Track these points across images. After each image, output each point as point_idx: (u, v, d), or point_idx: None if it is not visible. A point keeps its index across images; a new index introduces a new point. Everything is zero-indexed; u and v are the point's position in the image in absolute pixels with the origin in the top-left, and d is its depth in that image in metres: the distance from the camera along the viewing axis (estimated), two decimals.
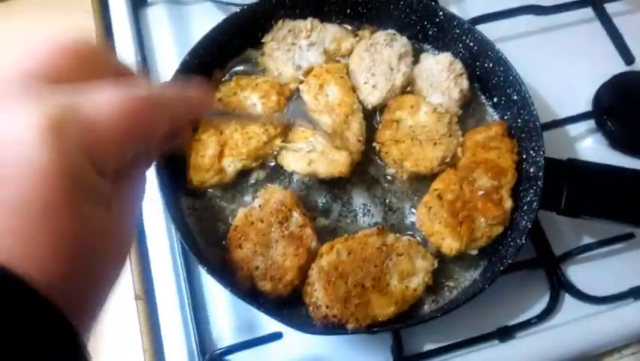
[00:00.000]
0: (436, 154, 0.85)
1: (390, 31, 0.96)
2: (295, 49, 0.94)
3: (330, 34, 0.95)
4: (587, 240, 0.92)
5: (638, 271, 0.92)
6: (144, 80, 0.43)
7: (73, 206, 0.31)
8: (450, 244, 0.80)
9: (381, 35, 0.95)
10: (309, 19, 0.95)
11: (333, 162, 0.83)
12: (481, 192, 0.82)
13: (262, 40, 0.95)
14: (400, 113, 0.88)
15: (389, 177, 0.89)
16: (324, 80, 0.89)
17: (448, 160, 0.85)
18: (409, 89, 0.94)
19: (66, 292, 0.30)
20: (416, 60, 0.95)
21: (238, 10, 0.91)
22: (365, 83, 0.92)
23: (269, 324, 0.82)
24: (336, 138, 0.84)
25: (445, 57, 0.93)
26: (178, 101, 0.43)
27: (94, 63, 0.39)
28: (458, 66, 0.93)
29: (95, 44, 0.40)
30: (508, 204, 0.82)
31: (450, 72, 0.91)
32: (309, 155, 0.84)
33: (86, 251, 0.32)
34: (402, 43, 0.94)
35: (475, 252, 0.82)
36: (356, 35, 0.98)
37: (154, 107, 0.38)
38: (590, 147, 1.02)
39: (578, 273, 0.91)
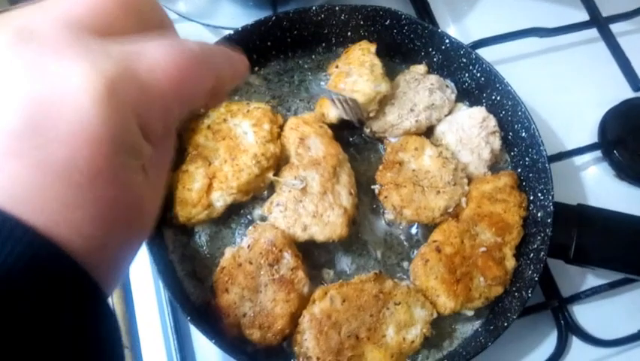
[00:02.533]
0: (438, 204, 0.80)
1: (449, 82, 0.91)
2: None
3: None
4: (595, 281, 0.89)
5: None
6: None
7: (119, 174, 0.30)
8: (444, 303, 0.75)
9: (434, 77, 0.89)
10: None
11: (330, 225, 0.78)
12: (482, 249, 0.77)
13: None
14: (402, 155, 0.83)
15: (387, 221, 0.84)
16: (303, 133, 0.83)
17: (450, 210, 0.80)
18: (440, 142, 0.87)
19: (99, 259, 0.30)
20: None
21: (231, 33, 0.85)
22: (377, 109, 0.86)
23: None
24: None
25: (479, 112, 0.87)
26: (224, 61, 0.39)
27: (141, 12, 0.35)
28: (492, 123, 0.86)
29: None
30: (510, 263, 0.78)
31: (482, 129, 0.85)
32: (302, 219, 0.78)
33: (123, 219, 0.31)
34: (442, 95, 0.88)
35: (470, 313, 0.77)
36: None
37: (205, 66, 0.35)
38: (596, 177, 0.98)
39: (586, 315, 0.88)
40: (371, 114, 0.85)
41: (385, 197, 0.81)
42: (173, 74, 0.32)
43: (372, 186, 0.83)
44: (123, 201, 0.31)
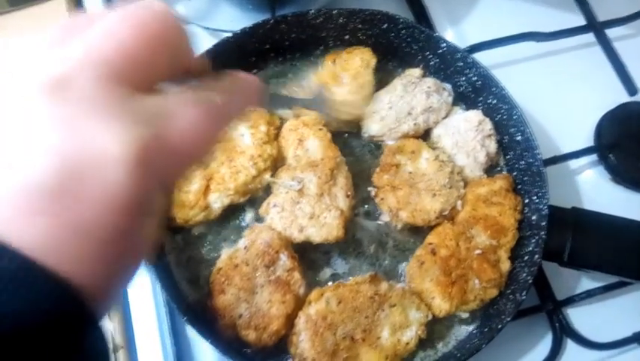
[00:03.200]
0: (434, 206, 0.80)
1: (446, 84, 0.91)
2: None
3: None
4: (589, 284, 0.89)
5: None
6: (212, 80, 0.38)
7: (139, 231, 0.31)
8: (439, 305, 0.76)
9: (431, 81, 0.89)
10: None
11: (326, 227, 0.78)
12: (477, 252, 0.78)
13: None
14: (399, 157, 0.83)
15: (383, 223, 0.84)
16: (302, 135, 0.84)
17: (446, 213, 0.80)
18: (436, 145, 0.88)
19: (102, 295, 0.30)
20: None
21: (230, 36, 0.85)
22: (375, 111, 0.87)
23: None
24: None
25: (475, 115, 0.87)
26: (242, 99, 0.39)
27: (177, 50, 0.34)
28: (487, 126, 0.86)
29: (178, 21, 0.34)
30: (505, 266, 0.78)
31: (478, 132, 0.85)
32: (299, 220, 0.78)
33: (129, 259, 0.32)
34: (439, 98, 0.88)
35: (465, 315, 0.77)
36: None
37: (226, 117, 0.36)
38: (592, 181, 0.99)
39: (580, 318, 0.88)
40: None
41: (382, 199, 0.81)
42: (200, 138, 0.33)
43: (369, 188, 0.83)
44: (137, 250, 0.32)
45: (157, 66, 0.33)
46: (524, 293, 0.74)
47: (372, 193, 0.83)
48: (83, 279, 0.29)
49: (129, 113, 0.30)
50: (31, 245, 0.27)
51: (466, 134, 0.85)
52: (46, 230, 0.28)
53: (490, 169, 0.88)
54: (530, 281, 0.75)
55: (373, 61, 0.89)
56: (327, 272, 0.82)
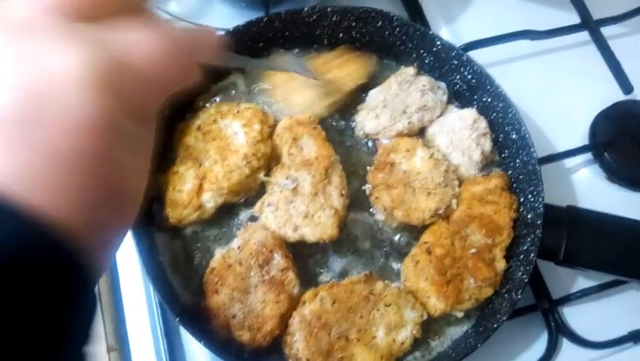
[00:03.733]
0: (429, 205, 0.79)
1: (441, 83, 0.91)
2: None
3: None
4: (585, 283, 0.89)
5: (637, 314, 0.89)
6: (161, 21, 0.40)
7: (108, 156, 0.31)
8: (434, 304, 0.75)
9: (425, 79, 0.89)
10: None
11: (321, 226, 0.77)
12: (472, 250, 0.77)
13: None
14: (394, 156, 0.83)
15: (378, 222, 0.84)
16: (297, 133, 0.83)
17: (441, 212, 0.80)
18: (431, 143, 0.87)
19: (87, 242, 0.30)
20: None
21: (223, 33, 0.85)
22: (371, 109, 0.87)
23: None
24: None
25: (470, 113, 0.87)
26: (202, 45, 0.40)
27: None
28: (482, 125, 0.86)
29: None
30: (500, 265, 0.78)
31: (473, 130, 0.85)
32: (293, 220, 0.78)
33: (111, 200, 0.32)
34: (434, 96, 0.88)
35: (460, 314, 0.77)
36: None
37: (186, 51, 0.37)
38: (588, 180, 0.99)
39: (576, 317, 0.88)
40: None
41: (376, 198, 0.81)
42: (160, 62, 0.34)
43: (363, 187, 0.83)
44: (112, 182, 0.32)
45: (103, 4, 0.34)
46: (520, 292, 0.74)
47: (367, 192, 0.82)
48: (60, 212, 0.28)
49: (83, 39, 0.31)
50: None
51: (460, 133, 0.85)
52: (12, 160, 0.28)
53: (486, 167, 0.87)
54: (526, 280, 0.74)
55: (362, 77, 0.90)
56: (322, 272, 0.81)
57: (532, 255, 0.76)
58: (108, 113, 0.30)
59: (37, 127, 0.28)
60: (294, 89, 0.88)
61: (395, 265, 0.82)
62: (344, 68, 0.88)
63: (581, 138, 0.99)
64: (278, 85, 0.89)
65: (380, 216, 0.82)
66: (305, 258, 0.81)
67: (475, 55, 0.92)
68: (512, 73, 1.01)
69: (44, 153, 0.28)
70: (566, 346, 0.86)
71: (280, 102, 0.88)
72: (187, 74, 0.37)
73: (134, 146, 0.34)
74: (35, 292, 0.28)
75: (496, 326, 0.72)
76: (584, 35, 1.07)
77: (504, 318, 0.72)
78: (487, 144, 0.85)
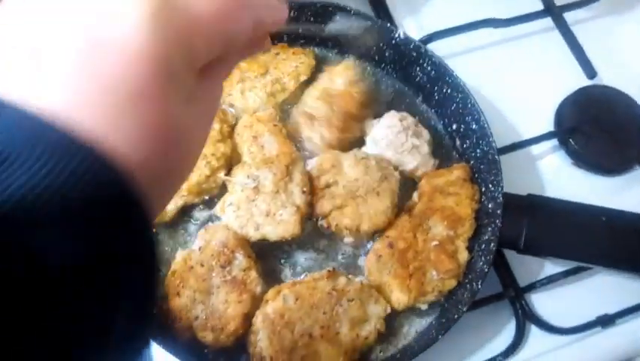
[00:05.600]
0: (385, 204, 0.79)
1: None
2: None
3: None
4: (552, 270, 0.89)
5: (605, 298, 0.89)
6: None
7: (164, 97, 0.31)
8: (398, 298, 0.75)
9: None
10: None
11: (283, 224, 0.77)
12: (434, 243, 0.77)
13: None
14: (325, 177, 0.81)
15: (350, 245, 0.83)
16: (257, 131, 0.83)
17: (395, 202, 0.80)
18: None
19: (145, 181, 0.30)
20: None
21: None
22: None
23: None
24: None
25: (392, 116, 0.85)
26: (265, 7, 0.40)
27: None
28: (409, 119, 0.85)
29: None
30: (463, 256, 0.78)
31: (405, 129, 0.84)
32: (255, 218, 0.78)
33: (168, 145, 0.32)
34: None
35: (425, 306, 0.77)
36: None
37: (247, 6, 0.37)
38: (553, 166, 0.98)
39: (543, 304, 0.88)
40: None
41: (336, 225, 0.80)
42: (219, 8, 0.34)
43: (319, 223, 0.81)
44: (167, 123, 0.32)
45: None
46: (481, 282, 0.74)
47: (325, 225, 0.81)
48: (119, 145, 0.29)
49: None
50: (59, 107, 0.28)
51: (397, 139, 0.84)
52: (74, 90, 0.29)
53: (447, 160, 0.87)
54: (487, 270, 0.75)
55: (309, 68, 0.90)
56: (286, 270, 0.81)
57: (492, 245, 0.76)
58: (162, 48, 0.31)
59: (97, 57, 0.29)
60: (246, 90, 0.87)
61: (360, 260, 0.82)
62: (285, 66, 0.88)
63: (547, 124, 0.99)
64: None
65: (349, 239, 0.81)
66: (268, 257, 0.81)
67: (439, 45, 0.92)
68: (476, 62, 1.00)
69: (105, 83, 0.29)
70: (534, 332, 0.86)
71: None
72: (244, 31, 0.37)
73: (193, 99, 0.34)
74: (103, 221, 0.28)
75: (457, 316, 0.73)
76: (548, 22, 1.06)
77: (464, 309, 0.73)
78: (425, 132, 0.85)
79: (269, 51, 0.85)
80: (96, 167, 0.28)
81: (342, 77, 0.86)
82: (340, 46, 0.93)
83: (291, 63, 0.88)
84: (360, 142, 0.88)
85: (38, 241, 0.26)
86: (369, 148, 0.86)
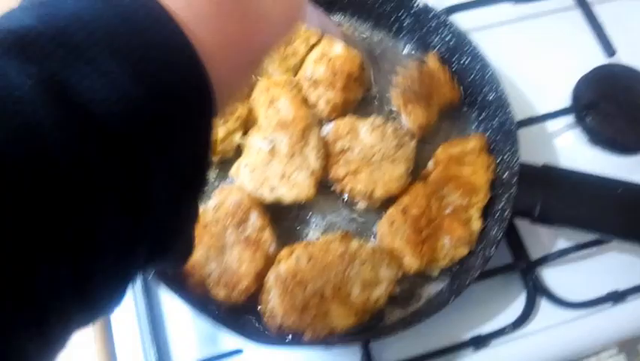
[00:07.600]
0: (399, 170, 0.80)
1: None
2: None
3: None
4: (564, 243, 0.88)
5: (616, 275, 0.88)
6: None
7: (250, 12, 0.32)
8: (409, 262, 0.76)
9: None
10: None
11: (297, 186, 0.78)
12: (448, 210, 0.77)
13: None
14: (341, 142, 0.82)
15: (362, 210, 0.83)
16: (273, 95, 0.83)
17: (411, 170, 0.80)
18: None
19: (220, 61, 0.31)
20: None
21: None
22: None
23: (231, 338, 0.77)
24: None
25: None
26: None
27: None
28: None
29: None
30: (476, 225, 0.78)
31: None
32: (270, 181, 0.78)
33: (244, 23, 0.33)
34: None
35: (436, 273, 0.77)
36: None
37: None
38: (569, 143, 0.98)
39: (554, 278, 0.87)
40: None
41: (350, 190, 0.80)
42: None
43: (332, 188, 0.82)
44: (244, 5, 0.32)
45: None
46: (493, 248, 0.74)
47: (338, 190, 0.81)
48: (193, 19, 0.30)
49: None
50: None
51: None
52: None
53: (464, 130, 0.87)
54: (499, 237, 0.75)
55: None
56: (300, 233, 0.82)
57: (507, 212, 0.76)
58: None
59: None
60: None
61: (373, 227, 0.82)
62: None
63: (564, 101, 0.99)
64: None
65: (361, 205, 0.82)
66: (282, 220, 0.81)
67: (458, 18, 0.92)
68: (495, 37, 1.00)
69: None
70: (544, 306, 0.86)
71: None
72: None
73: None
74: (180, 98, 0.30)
75: (468, 282, 0.73)
76: (568, 0, 1.06)
77: (476, 274, 0.73)
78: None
79: None
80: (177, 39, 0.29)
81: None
82: (360, 13, 0.92)
83: (301, 27, 0.88)
84: (367, 104, 0.88)
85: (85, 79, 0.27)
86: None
